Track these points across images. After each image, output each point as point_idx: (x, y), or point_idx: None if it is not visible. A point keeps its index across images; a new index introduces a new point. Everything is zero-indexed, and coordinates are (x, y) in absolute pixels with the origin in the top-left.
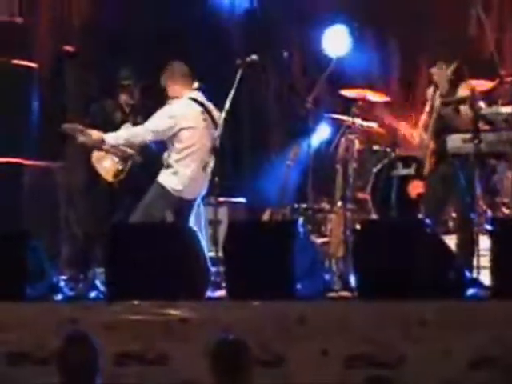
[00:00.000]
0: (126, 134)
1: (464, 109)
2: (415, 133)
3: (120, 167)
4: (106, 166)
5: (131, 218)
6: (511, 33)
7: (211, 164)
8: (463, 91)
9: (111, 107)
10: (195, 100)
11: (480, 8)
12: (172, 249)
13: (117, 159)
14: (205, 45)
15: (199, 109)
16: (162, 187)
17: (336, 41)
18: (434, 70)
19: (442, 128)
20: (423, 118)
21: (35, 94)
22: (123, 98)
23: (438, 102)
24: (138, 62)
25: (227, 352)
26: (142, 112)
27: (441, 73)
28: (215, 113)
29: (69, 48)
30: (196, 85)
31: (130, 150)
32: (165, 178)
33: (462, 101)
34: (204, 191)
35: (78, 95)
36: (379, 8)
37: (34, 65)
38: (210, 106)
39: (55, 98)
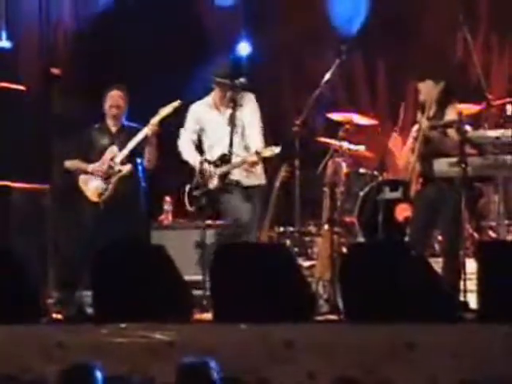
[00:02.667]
0: None
1: (451, 132)
2: (401, 155)
3: (104, 186)
4: (91, 187)
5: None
6: (498, 56)
7: None
8: (450, 114)
9: (98, 132)
10: None
11: (467, 31)
12: (156, 271)
13: (100, 179)
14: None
15: None
16: None
17: None
18: (421, 85)
19: (429, 151)
20: (410, 140)
21: (23, 116)
22: (110, 121)
23: (425, 125)
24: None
25: (189, 374)
26: (130, 135)
27: (429, 91)
28: None
29: (55, 70)
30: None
31: (119, 168)
32: None
33: (449, 124)
34: None
35: (65, 118)
36: (367, 31)
37: (22, 87)
38: None
39: (42, 121)
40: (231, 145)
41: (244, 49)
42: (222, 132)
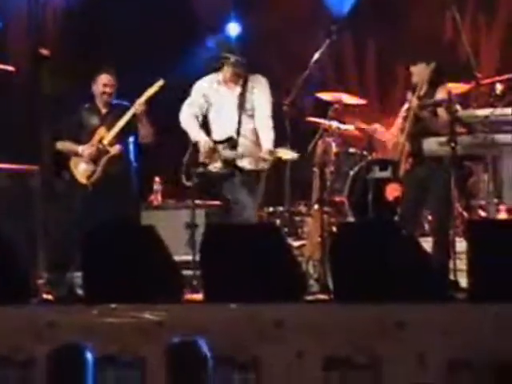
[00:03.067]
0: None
1: (441, 111)
2: (390, 135)
3: (92, 169)
4: (81, 169)
5: None
6: (486, 35)
7: None
8: (441, 94)
9: (87, 112)
10: None
11: (455, 10)
12: (146, 251)
13: (89, 162)
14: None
15: None
16: None
17: None
18: (413, 69)
19: (419, 130)
20: (399, 120)
21: (12, 97)
22: (100, 102)
23: (415, 104)
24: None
25: (179, 353)
26: (119, 114)
27: (421, 72)
28: None
29: (44, 51)
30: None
31: (108, 149)
32: None
33: (439, 103)
34: None
35: (54, 98)
36: (356, 11)
37: (11, 68)
38: None
39: (31, 102)
40: (239, 127)
41: (233, 29)
42: (230, 108)
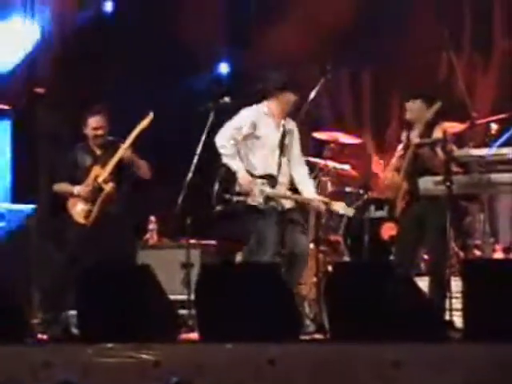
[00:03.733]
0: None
1: (438, 150)
2: (385, 174)
3: (89, 208)
4: (78, 209)
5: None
6: (483, 75)
7: None
8: (438, 133)
9: (81, 152)
10: None
11: (452, 51)
12: (141, 291)
13: (86, 202)
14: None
15: None
16: None
17: None
18: (409, 105)
19: (416, 169)
20: (394, 160)
21: (8, 136)
22: (93, 143)
23: (414, 142)
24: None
25: None
26: (113, 151)
27: (417, 110)
28: None
29: (39, 90)
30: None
31: (103, 186)
32: None
33: (434, 143)
34: None
35: (50, 137)
36: (352, 49)
37: (6, 107)
38: None
39: (27, 140)
40: (280, 165)
41: (224, 68)
42: (274, 145)
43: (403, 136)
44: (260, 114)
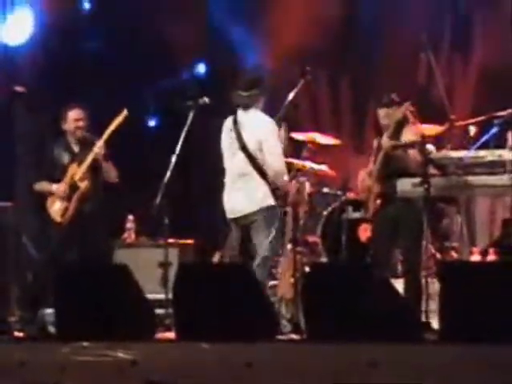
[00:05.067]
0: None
1: (413, 152)
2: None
3: (65, 206)
4: (55, 208)
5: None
6: (462, 76)
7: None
8: (407, 134)
9: (59, 150)
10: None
11: (430, 53)
12: (119, 290)
13: (63, 200)
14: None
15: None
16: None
17: None
18: (381, 112)
19: (389, 171)
20: (369, 165)
21: None
22: (71, 138)
23: (387, 144)
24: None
25: None
26: (90, 150)
27: (391, 114)
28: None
29: (18, 88)
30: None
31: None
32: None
33: (411, 145)
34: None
35: (29, 135)
36: (331, 50)
37: None
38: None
39: (5, 138)
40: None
41: (201, 68)
42: None
43: (375, 143)
44: None
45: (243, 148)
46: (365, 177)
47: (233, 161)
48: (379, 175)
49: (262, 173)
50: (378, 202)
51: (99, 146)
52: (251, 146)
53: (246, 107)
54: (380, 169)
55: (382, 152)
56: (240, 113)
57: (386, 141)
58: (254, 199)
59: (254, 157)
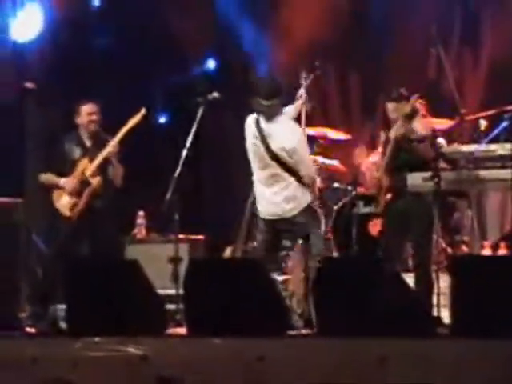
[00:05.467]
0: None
1: (422, 146)
2: (366, 170)
3: (75, 201)
4: (64, 201)
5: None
6: (472, 70)
7: None
8: (419, 126)
9: (70, 144)
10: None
11: (440, 47)
12: (130, 285)
13: (72, 194)
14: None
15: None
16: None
17: None
18: (390, 105)
19: (398, 164)
20: (376, 156)
21: None
22: (84, 133)
23: (398, 133)
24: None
25: None
26: (102, 146)
27: (399, 108)
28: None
29: (29, 84)
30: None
31: (90, 180)
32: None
33: (422, 139)
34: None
35: (39, 131)
36: (340, 46)
37: None
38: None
39: (16, 134)
40: None
41: (211, 64)
42: None
43: (382, 136)
44: None
45: (274, 158)
46: (370, 166)
47: (264, 171)
48: (388, 168)
49: (296, 175)
50: (388, 196)
51: (113, 145)
52: (282, 155)
53: (269, 117)
54: (389, 162)
55: (391, 145)
56: (263, 121)
57: (395, 131)
58: (295, 201)
59: (287, 164)
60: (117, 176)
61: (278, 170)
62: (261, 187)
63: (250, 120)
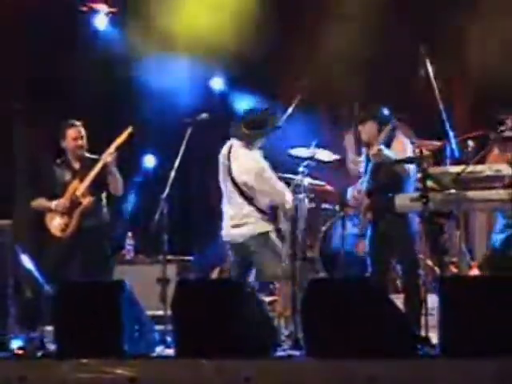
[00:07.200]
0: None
1: (401, 167)
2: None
3: (66, 221)
4: (55, 223)
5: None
6: (459, 94)
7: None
8: (396, 148)
9: (60, 168)
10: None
11: (429, 69)
12: (118, 306)
13: (63, 215)
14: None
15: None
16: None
17: None
18: (362, 128)
19: (378, 185)
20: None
21: None
22: (71, 156)
23: (375, 151)
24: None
25: None
26: (91, 167)
27: (372, 132)
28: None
29: (17, 105)
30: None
31: (80, 200)
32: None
33: (410, 161)
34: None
35: (27, 151)
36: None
37: None
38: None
39: (3, 155)
40: None
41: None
42: None
43: (362, 155)
44: None
45: (233, 182)
46: (354, 194)
47: (225, 192)
48: (368, 190)
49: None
50: (368, 216)
51: (108, 153)
52: (241, 180)
53: (244, 143)
54: (369, 183)
55: (369, 167)
56: (235, 144)
57: (374, 150)
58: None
59: (243, 191)
60: (116, 186)
61: (235, 194)
62: (225, 207)
63: (225, 147)
